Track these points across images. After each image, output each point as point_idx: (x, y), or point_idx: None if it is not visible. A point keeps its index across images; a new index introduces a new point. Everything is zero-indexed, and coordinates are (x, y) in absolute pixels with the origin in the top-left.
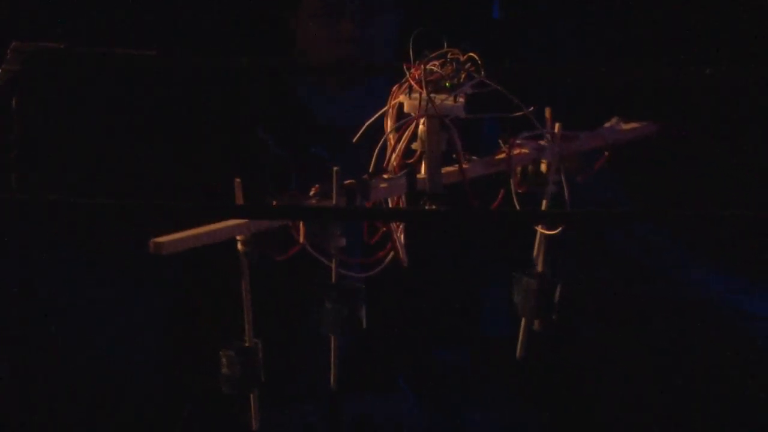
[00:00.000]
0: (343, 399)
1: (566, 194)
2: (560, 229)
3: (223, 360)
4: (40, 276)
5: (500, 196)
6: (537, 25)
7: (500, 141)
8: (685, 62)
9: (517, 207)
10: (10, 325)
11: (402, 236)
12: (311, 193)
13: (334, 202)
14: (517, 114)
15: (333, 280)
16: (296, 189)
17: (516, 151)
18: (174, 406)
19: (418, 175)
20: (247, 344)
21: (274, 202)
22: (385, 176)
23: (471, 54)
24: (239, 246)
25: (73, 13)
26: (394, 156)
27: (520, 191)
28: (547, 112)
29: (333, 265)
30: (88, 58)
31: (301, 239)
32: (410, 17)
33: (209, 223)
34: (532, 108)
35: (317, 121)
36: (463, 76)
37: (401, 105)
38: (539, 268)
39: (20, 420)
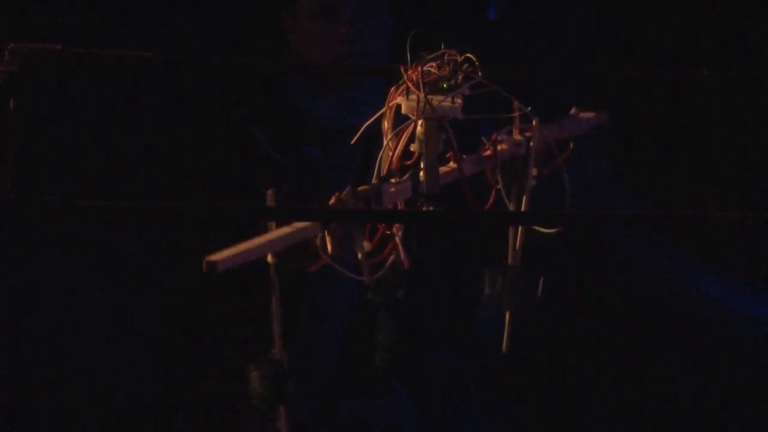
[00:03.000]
0: (337, 401)
1: (567, 195)
2: (557, 230)
3: (253, 374)
4: (32, 280)
5: (492, 196)
6: (533, 26)
7: (483, 138)
8: (681, 63)
9: (509, 206)
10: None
11: (399, 238)
12: (331, 202)
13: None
14: (515, 114)
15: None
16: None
17: (498, 147)
18: (166, 415)
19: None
20: (276, 357)
21: (298, 205)
22: (393, 180)
23: (468, 55)
24: (270, 259)
25: (70, 14)
26: (394, 158)
27: (498, 187)
28: (535, 121)
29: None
30: (84, 59)
31: (330, 249)
32: (406, 19)
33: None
34: (530, 108)
35: (311, 122)
36: (460, 77)
37: (399, 106)
38: (510, 260)
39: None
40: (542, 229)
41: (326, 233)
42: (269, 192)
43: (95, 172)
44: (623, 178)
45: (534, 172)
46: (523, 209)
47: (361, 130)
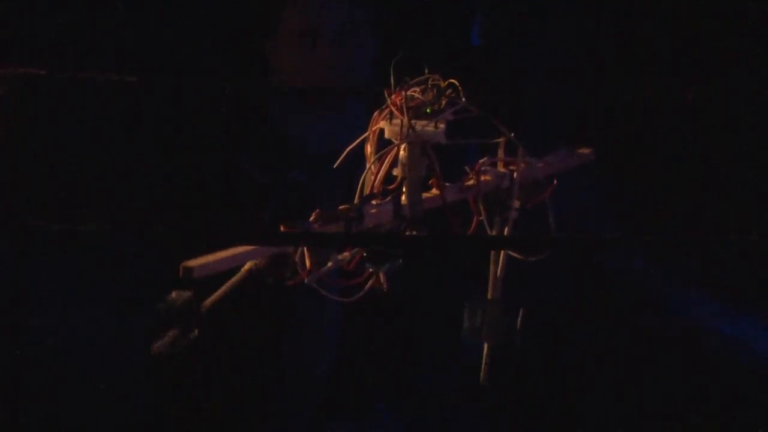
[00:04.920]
0: (323, 425)
1: (551, 220)
2: (538, 256)
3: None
4: (24, 298)
5: (475, 223)
6: (515, 50)
7: (467, 168)
8: (666, 82)
9: (489, 232)
10: None
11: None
12: (312, 219)
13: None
14: (499, 140)
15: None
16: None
17: (481, 178)
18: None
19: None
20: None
21: (282, 228)
22: (374, 202)
23: (451, 80)
24: (246, 267)
25: (55, 38)
26: (376, 182)
27: (481, 217)
28: (519, 152)
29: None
30: (68, 82)
31: (308, 264)
32: (390, 44)
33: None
34: (513, 134)
35: (295, 146)
36: (443, 102)
37: (382, 131)
38: (490, 293)
39: None
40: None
41: (306, 250)
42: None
43: (81, 193)
44: (614, 202)
45: (517, 204)
46: None
47: (344, 154)
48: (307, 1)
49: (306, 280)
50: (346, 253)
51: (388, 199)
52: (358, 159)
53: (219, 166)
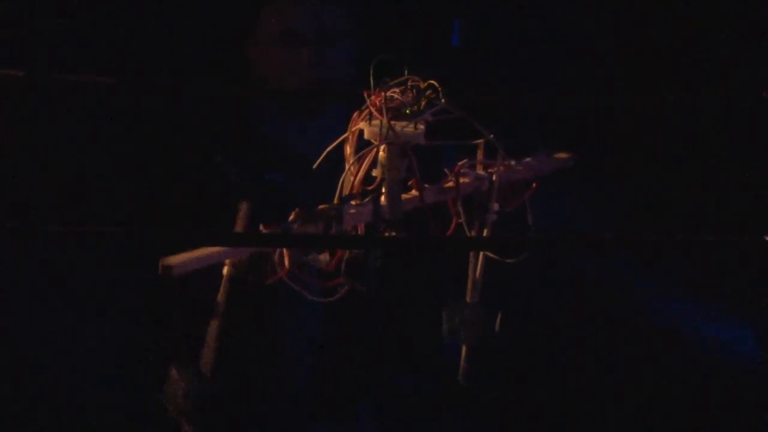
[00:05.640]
0: (304, 427)
1: (530, 220)
2: (517, 258)
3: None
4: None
5: (453, 224)
6: (496, 51)
7: (446, 170)
8: (645, 88)
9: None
10: None
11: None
12: (291, 218)
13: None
14: (478, 141)
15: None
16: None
17: (461, 180)
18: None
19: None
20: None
21: (261, 227)
22: (354, 203)
23: (431, 81)
24: (225, 270)
25: (32, 39)
26: (356, 182)
27: (460, 219)
28: (500, 155)
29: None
30: (47, 84)
31: (287, 264)
32: (370, 45)
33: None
34: (492, 135)
35: (275, 148)
36: (423, 103)
37: (361, 131)
38: (469, 296)
39: None
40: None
41: (285, 249)
42: (243, 205)
43: (58, 195)
44: (598, 205)
45: (496, 207)
46: None
47: (323, 155)
48: (288, 5)
49: (284, 276)
50: (325, 255)
51: (368, 200)
52: (338, 159)
53: (197, 165)
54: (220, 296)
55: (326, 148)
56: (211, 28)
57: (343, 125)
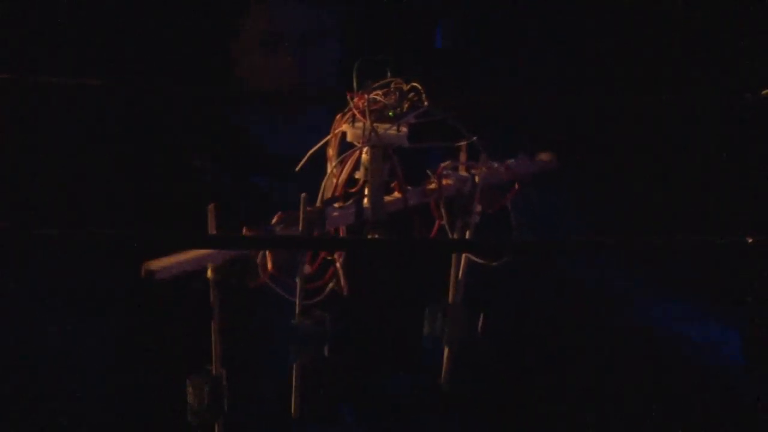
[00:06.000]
0: (288, 428)
1: (514, 230)
2: (499, 260)
3: (190, 389)
4: None
5: (435, 229)
6: (480, 53)
7: (429, 172)
8: (629, 90)
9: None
10: None
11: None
12: (274, 221)
13: (300, 229)
14: (461, 143)
15: (297, 309)
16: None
17: (443, 182)
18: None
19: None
20: (213, 373)
21: (245, 231)
22: (336, 205)
23: (414, 83)
24: (209, 274)
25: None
26: (338, 185)
27: (443, 221)
28: (483, 156)
29: (298, 298)
30: (31, 86)
31: (270, 267)
32: (353, 47)
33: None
34: (475, 137)
35: (258, 149)
36: (406, 105)
37: (344, 134)
38: (451, 298)
39: None
40: (485, 261)
41: (268, 252)
42: (210, 207)
43: (40, 198)
44: (584, 207)
45: (478, 208)
46: None
47: (306, 157)
48: (271, 6)
49: (267, 280)
50: (309, 267)
51: (351, 202)
52: (321, 161)
53: (177, 168)
54: (212, 300)
55: (308, 147)
56: (195, 28)
57: (325, 124)
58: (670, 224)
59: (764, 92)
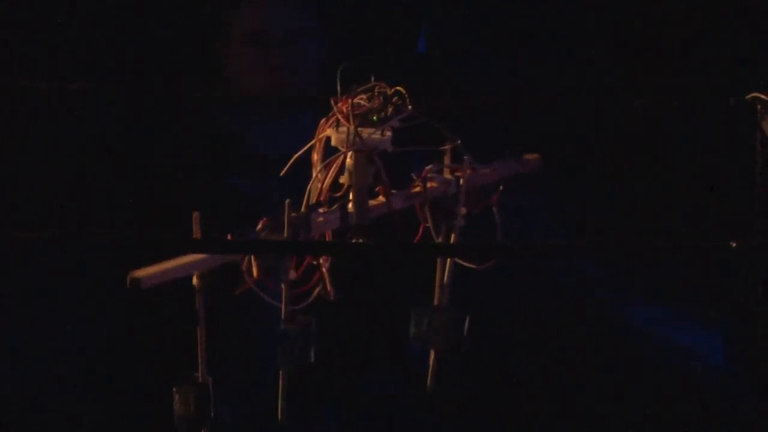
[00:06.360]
0: (269, 430)
1: (498, 232)
2: (485, 264)
3: (176, 397)
4: None
5: (420, 233)
6: (462, 58)
7: (413, 175)
8: (611, 92)
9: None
10: None
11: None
12: (258, 227)
13: (285, 235)
14: (445, 147)
15: (283, 315)
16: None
17: (428, 185)
18: None
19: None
20: (200, 380)
21: (229, 236)
22: (321, 210)
23: (398, 88)
24: (195, 281)
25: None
26: (323, 190)
27: (427, 225)
28: (467, 159)
29: (283, 304)
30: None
31: (255, 273)
32: (337, 51)
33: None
34: (459, 141)
35: (241, 149)
36: (390, 109)
37: (328, 138)
38: (436, 300)
39: None
40: (470, 265)
41: (253, 258)
42: (195, 215)
43: (21, 202)
44: (561, 212)
45: (463, 211)
46: None
47: (291, 162)
48: (256, 5)
49: (252, 286)
50: (293, 272)
51: (335, 207)
52: (304, 164)
53: (157, 168)
54: (198, 306)
55: (292, 146)
56: (180, 26)
57: (310, 125)
58: (654, 228)
59: (749, 96)
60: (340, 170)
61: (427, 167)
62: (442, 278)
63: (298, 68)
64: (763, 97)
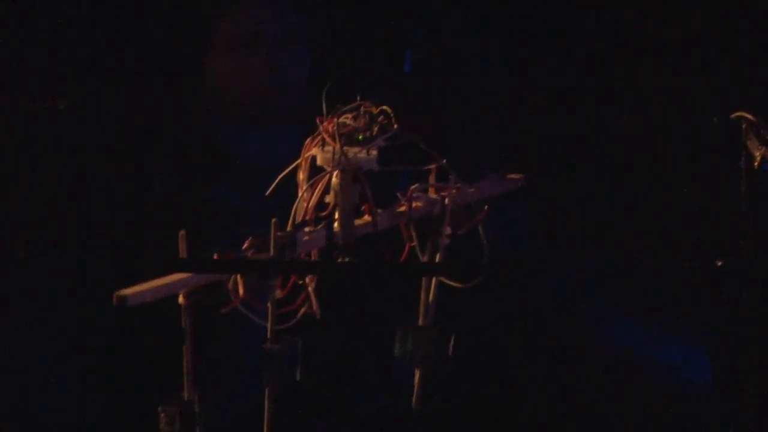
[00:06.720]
0: None
1: (485, 250)
2: (470, 282)
3: (162, 415)
4: None
5: (406, 252)
6: (448, 77)
7: (399, 195)
8: (597, 108)
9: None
10: None
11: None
12: (245, 246)
13: (271, 254)
14: (430, 166)
15: (269, 333)
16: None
17: (413, 204)
18: None
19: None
20: (186, 398)
21: (215, 256)
22: (307, 229)
23: (383, 107)
24: (181, 299)
25: None
26: (309, 209)
27: (413, 244)
28: (452, 178)
29: (269, 322)
30: None
31: (241, 292)
32: (323, 70)
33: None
34: (444, 160)
35: (226, 158)
36: (375, 128)
37: (314, 157)
38: (421, 319)
39: None
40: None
41: (239, 277)
42: (181, 234)
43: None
44: (548, 229)
45: (448, 230)
46: None
47: (276, 182)
48: (245, 10)
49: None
50: (280, 291)
51: (321, 226)
52: (289, 179)
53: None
54: (185, 324)
55: (278, 156)
56: (168, 33)
57: (295, 133)
58: (639, 245)
59: (734, 115)
60: (326, 189)
61: (413, 186)
62: (427, 297)
63: (288, 74)
64: (747, 116)
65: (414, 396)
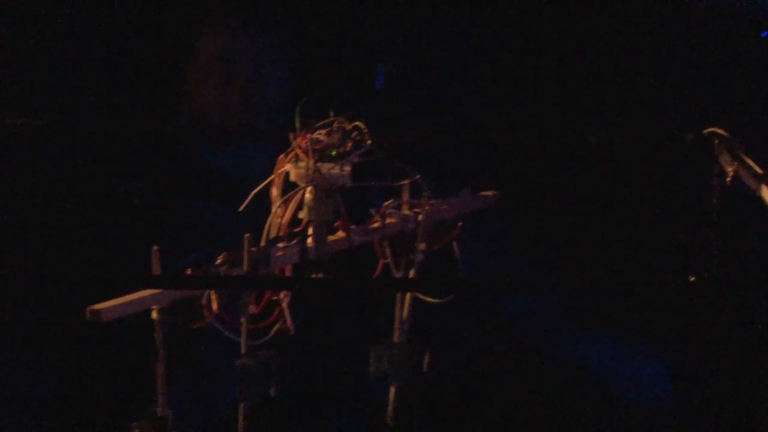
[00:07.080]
0: None
1: (460, 265)
2: (443, 299)
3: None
4: None
5: (380, 268)
6: (418, 93)
7: (372, 211)
8: (571, 126)
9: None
10: None
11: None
12: (218, 261)
13: (245, 269)
14: (404, 182)
15: (243, 349)
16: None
17: (387, 220)
18: None
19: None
20: (159, 414)
21: (189, 271)
22: (280, 245)
23: (357, 123)
24: (154, 315)
25: None
26: (282, 224)
27: (387, 260)
28: (426, 194)
29: (243, 337)
30: None
31: (215, 307)
32: (297, 88)
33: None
34: (418, 176)
35: (202, 172)
36: (349, 144)
37: (288, 173)
38: (396, 336)
39: None
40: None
41: (212, 292)
42: (154, 249)
43: None
44: (521, 244)
45: (422, 246)
46: None
47: (250, 197)
48: (221, 32)
49: (212, 320)
50: (254, 307)
51: (295, 242)
52: (263, 192)
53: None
54: (157, 340)
55: (252, 168)
56: (145, 52)
57: (271, 150)
58: (611, 261)
59: (706, 131)
60: (299, 205)
61: (386, 203)
62: (401, 314)
63: (264, 93)
64: (720, 132)
65: (388, 411)
